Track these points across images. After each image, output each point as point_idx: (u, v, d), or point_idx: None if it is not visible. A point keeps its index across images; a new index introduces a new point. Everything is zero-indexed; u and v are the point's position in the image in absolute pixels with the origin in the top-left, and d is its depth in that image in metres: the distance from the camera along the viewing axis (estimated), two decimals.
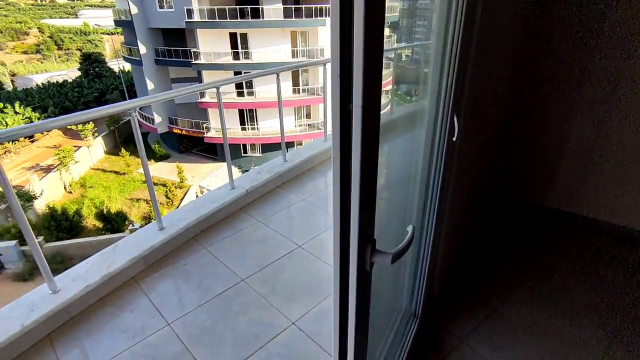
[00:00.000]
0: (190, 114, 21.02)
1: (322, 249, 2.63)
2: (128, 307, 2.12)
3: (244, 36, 19.44)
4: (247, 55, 19.66)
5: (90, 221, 16.45)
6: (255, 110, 20.59)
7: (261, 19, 18.99)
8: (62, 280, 2.08)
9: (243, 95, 20.28)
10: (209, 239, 2.70)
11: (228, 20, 18.97)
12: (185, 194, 18.79)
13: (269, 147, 21.25)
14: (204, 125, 20.52)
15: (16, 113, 23.01)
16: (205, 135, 20.52)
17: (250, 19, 19.04)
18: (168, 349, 1.87)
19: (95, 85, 30.39)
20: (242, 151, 21.59)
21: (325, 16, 19.51)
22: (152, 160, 21.40)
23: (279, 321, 2.04)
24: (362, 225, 0.63)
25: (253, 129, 21.02)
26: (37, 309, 1.91)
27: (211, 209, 2.84)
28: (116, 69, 32.39)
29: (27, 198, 16.44)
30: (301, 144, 21.83)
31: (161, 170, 20.62)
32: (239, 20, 18.99)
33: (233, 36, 19.45)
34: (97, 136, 23.46)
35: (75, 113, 2.04)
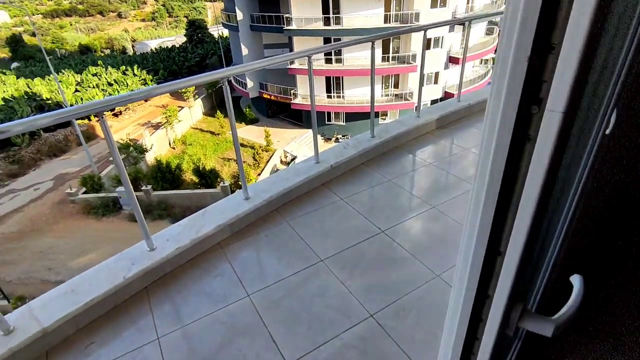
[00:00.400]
0: (279, 79, 21.54)
1: (406, 237, 2.42)
2: (213, 272, 2.20)
3: (335, 0, 18.86)
4: (337, 20, 19.13)
5: (188, 175, 18.37)
6: (342, 78, 20.24)
7: None
8: (158, 240, 2.23)
9: (331, 62, 20.00)
10: (290, 213, 2.67)
11: None
12: (271, 157, 19.73)
13: (353, 116, 20.94)
14: (292, 91, 20.92)
15: (134, 75, 26.33)
16: (292, 101, 20.96)
17: None
18: (246, 320, 1.90)
19: (198, 50, 32.87)
20: (326, 119, 21.66)
21: None
22: (242, 123, 22.74)
23: (356, 311, 1.93)
24: (519, 276, 0.42)
25: (338, 96, 20.80)
26: (137, 263, 2.08)
27: (295, 182, 2.79)
28: (216, 35, 34.44)
29: (141, 150, 18.96)
30: (386, 115, 21.07)
31: (250, 132, 21.84)
32: None
33: (325, 1, 18.99)
34: (197, 98, 25.70)
35: (176, 80, 2.14)
